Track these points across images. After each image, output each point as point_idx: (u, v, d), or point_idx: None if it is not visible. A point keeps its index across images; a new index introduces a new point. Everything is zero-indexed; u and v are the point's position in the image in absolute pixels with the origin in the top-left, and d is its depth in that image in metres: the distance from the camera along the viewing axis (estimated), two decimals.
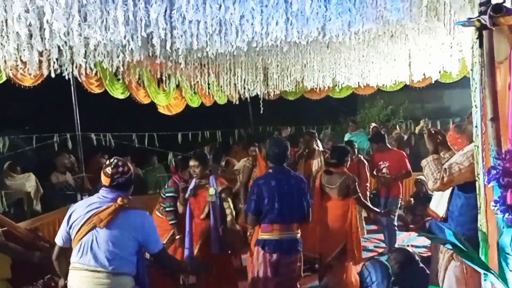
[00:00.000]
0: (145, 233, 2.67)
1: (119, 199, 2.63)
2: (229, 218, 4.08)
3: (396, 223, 6.11)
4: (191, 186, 4.17)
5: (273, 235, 3.56)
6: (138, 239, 2.64)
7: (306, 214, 3.64)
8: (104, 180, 2.70)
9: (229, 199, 4.10)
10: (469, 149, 2.72)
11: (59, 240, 2.70)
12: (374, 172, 6.09)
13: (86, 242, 2.58)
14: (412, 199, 7.63)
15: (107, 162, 2.74)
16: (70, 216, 2.68)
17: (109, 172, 2.67)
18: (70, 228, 2.65)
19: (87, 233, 2.58)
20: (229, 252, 4.27)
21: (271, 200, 3.53)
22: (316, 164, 5.65)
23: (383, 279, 3.87)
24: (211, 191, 3.99)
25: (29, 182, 6.40)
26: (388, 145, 6.29)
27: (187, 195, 4.15)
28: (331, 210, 4.47)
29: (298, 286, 3.74)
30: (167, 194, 4.61)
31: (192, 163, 4.11)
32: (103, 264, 2.53)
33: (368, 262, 4.20)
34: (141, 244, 2.67)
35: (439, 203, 3.12)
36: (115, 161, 2.71)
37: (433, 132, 3.12)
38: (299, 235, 3.65)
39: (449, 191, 2.96)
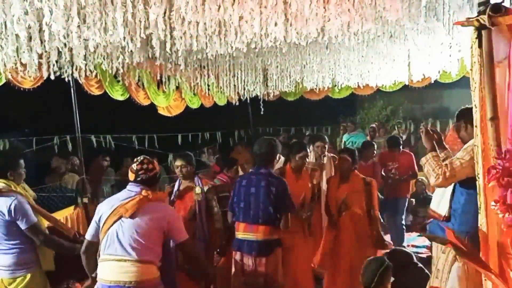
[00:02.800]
0: (169, 222, 2.79)
1: (143, 191, 2.77)
2: (216, 217, 4.02)
3: (404, 222, 6.08)
4: (176, 188, 4.11)
5: (238, 234, 3.67)
6: (163, 227, 2.75)
7: (275, 218, 3.56)
8: (130, 175, 2.88)
9: (215, 199, 4.04)
10: (469, 144, 2.72)
11: (88, 234, 2.84)
12: (383, 172, 5.97)
13: (113, 232, 2.69)
14: (413, 200, 7.54)
15: (135, 160, 2.92)
16: (99, 209, 2.82)
17: (134, 168, 2.85)
18: (99, 220, 2.77)
19: (114, 223, 2.69)
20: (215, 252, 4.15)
21: (238, 199, 3.67)
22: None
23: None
24: (197, 190, 3.95)
25: None
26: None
27: (172, 198, 4.07)
28: None
29: None
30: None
31: (179, 163, 4.03)
32: (129, 252, 2.64)
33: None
34: (165, 233, 2.77)
35: (440, 203, 3.12)
36: (142, 158, 2.90)
37: (430, 131, 3.12)
38: (270, 238, 3.57)
39: (450, 189, 2.96)
